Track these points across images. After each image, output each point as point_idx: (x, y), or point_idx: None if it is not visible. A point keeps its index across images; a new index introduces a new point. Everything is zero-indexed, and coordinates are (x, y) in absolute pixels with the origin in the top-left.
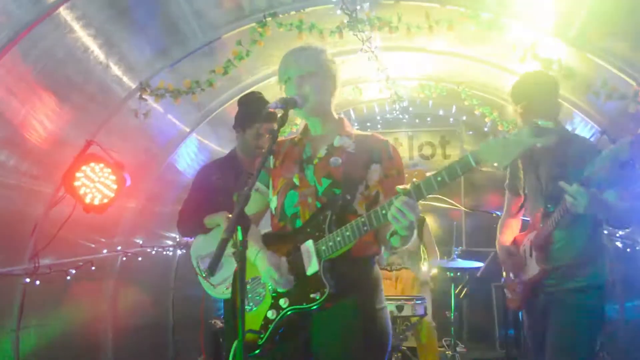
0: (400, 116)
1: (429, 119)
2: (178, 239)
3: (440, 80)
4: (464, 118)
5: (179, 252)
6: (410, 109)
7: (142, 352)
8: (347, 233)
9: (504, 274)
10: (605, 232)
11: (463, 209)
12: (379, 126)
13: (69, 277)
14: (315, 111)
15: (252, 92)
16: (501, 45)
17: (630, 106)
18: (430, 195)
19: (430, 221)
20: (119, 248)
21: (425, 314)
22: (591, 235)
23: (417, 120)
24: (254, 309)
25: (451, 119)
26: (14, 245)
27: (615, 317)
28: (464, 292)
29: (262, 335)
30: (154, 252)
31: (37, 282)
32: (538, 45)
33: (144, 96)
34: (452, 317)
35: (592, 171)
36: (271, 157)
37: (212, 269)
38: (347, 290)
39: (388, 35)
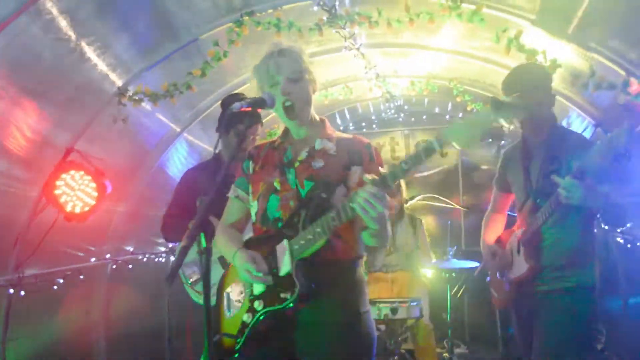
0: (396, 115)
1: (424, 117)
2: (170, 245)
3: (431, 77)
4: (460, 115)
5: (172, 258)
6: (406, 107)
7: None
8: (318, 229)
9: (489, 273)
10: (606, 227)
11: (459, 207)
12: (374, 126)
13: (55, 287)
14: (299, 117)
15: (235, 94)
16: (489, 39)
17: (619, 97)
18: (426, 195)
19: (430, 221)
20: (108, 256)
21: (421, 315)
22: (582, 235)
23: (413, 119)
24: (235, 313)
25: (447, 117)
26: None
27: (618, 313)
28: (460, 292)
29: (238, 340)
30: (145, 259)
31: (22, 293)
32: (522, 36)
33: (122, 101)
34: (449, 319)
35: (586, 162)
36: (250, 162)
37: (172, 277)
38: (326, 292)
39: (373, 32)
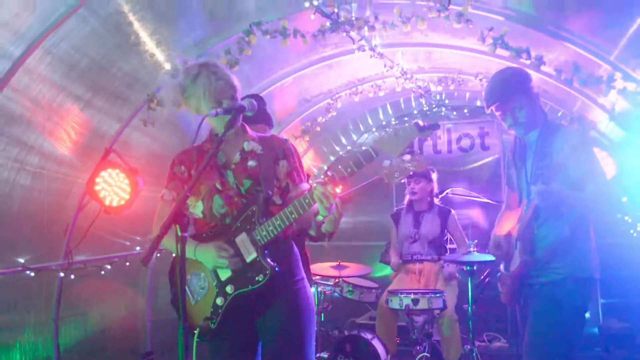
0: (437, 110)
1: (466, 110)
2: None
3: (457, 72)
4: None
5: None
6: (447, 101)
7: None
8: (278, 222)
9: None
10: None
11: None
12: (416, 120)
13: (103, 272)
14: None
15: (254, 95)
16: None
17: (604, 90)
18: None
19: (479, 215)
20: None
21: (445, 307)
22: (574, 228)
23: (454, 113)
24: (200, 300)
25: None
26: (50, 243)
27: None
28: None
29: (214, 321)
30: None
31: (72, 277)
32: (507, 34)
33: (151, 106)
34: (470, 311)
35: (556, 161)
36: (182, 167)
37: (146, 260)
38: (281, 266)
39: (386, 33)
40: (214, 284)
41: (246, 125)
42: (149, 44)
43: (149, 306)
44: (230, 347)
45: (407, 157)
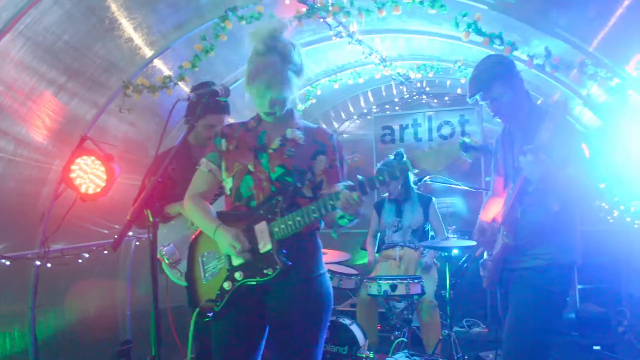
0: (418, 97)
1: (447, 98)
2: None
3: (435, 59)
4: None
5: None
6: (428, 89)
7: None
8: (298, 218)
9: (485, 254)
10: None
11: (467, 188)
12: (397, 107)
13: (80, 261)
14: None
15: (203, 83)
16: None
17: (575, 76)
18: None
19: (458, 202)
20: (131, 233)
21: (423, 293)
22: (558, 214)
23: (435, 101)
24: (210, 280)
25: (469, 99)
26: (25, 231)
27: (638, 296)
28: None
29: (218, 304)
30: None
31: (49, 265)
32: (481, 20)
33: (127, 93)
34: (447, 297)
35: (539, 137)
36: (223, 140)
37: (116, 244)
38: (294, 263)
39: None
40: (226, 267)
41: (295, 112)
42: (126, 27)
43: (128, 295)
44: (233, 333)
45: None
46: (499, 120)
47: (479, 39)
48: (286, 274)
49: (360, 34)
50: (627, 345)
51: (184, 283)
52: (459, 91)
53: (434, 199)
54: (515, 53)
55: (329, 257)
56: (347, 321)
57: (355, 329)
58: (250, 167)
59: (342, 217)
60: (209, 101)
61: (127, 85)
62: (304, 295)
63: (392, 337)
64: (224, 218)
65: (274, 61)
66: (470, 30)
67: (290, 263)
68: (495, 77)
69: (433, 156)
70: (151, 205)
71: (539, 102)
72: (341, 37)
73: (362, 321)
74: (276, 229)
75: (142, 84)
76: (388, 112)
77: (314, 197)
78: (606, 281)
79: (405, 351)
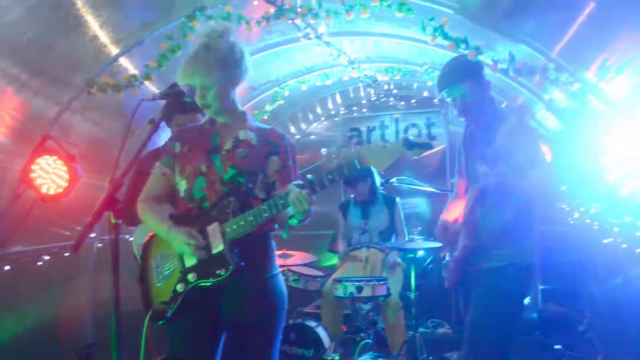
0: (386, 99)
1: (413, 101)
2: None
3: (403, 62)
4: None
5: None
6: (395, 91)
7: (124, 339)
8: (250, 218)
9: (447, 255)
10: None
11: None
12: (364, 109)
13: (40, 263)
14: (218, 113)
15: (173, 84)
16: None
17: (538, 81)
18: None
19: (424, 203)
20: (94, 235)
21: (389, 294)
22: (516, 215)
23: (402, 103)
24: (163, 282)
25: (435, 100)
26: None
27: (599, 297)
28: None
29: (171, 306)
30: (131, 239)
31: (7, 268)
32: (447, 24)
33: (91, 91)
34: (413, 298)
35: (500, 141)
36: (177, 143)
37: (76, 246)
38: (248, 264)
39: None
40: (179, 269)
41: (247, 113)
42: (91, 24)
43: (90, 298)
44: (189, 334)
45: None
46: (463, 119)
47: (446, 42)
48: (239, 274)
49: (328, 36)
50: (587, 344)
51: None
52: (425, 94)
53: (398, 199)
54: (480, 57)
55: (295, 259)
56: (312, 323)
57: (320, 331)
58: (203, 169)
59: (292, 216)
60: (175, 101)
61: (91, 83)
62: (258, 296)
63: (358, 339)
64: (176, 220)
65: (199, 50)
66: (436, 34)
67: (242, 263)
68: (463, 76)
69: (378, 153)
70: (113, 207)
71: (503, 105)
72: (309, 38)
73: (327, 323)
74: (228, 230)
75: (106, 83)
76: (355, 114)
77: (267, 198)
78: (567, 281)
79: (371, 353)
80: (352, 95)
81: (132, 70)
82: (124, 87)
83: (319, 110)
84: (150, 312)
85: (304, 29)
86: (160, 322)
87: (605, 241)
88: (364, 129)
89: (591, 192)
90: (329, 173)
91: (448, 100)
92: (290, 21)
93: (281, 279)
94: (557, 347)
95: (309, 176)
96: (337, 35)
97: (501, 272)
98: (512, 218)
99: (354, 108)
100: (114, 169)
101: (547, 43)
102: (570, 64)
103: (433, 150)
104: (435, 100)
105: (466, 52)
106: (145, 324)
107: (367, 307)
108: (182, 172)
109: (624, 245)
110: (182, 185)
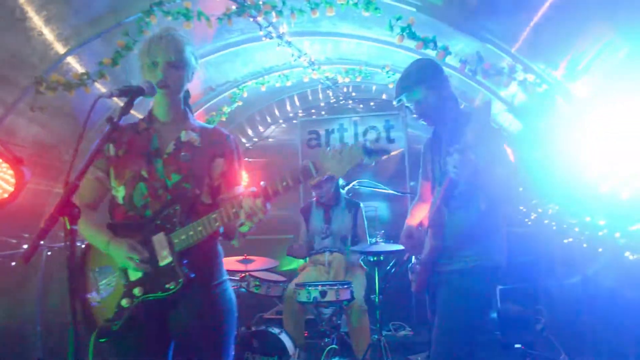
0: (344, 102)
1: (372, 103)
2: None
3: (363, 64)
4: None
5: None
6: (354, 94)
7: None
8: (200, 228)
9: (413, 258)
10: (540, 210)
11: (395, 193)
12: (323, 112)
13: None
14: (170, 99)
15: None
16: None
17: (504, 81)
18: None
19: (384, 206)
20: (42, 242)
21: (353, 298)
22: (483, 216)
23: (361, 106)
24: (105, 297)
25: (394, 102)
26: None
27: (556, 294)
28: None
29: (117, 322)
30: (83, 246)
31: None
32: (414, 24)
33: (40, 90)
34: (377, 301)
35: (465, 139)
36: (111, 145)
37: (27, 256)
38: (196, 273)
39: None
40: (122, 283)
41: (188, 112)
42: (36, 20)
43: (39, 309)
44: (136, 351)
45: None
46: (424, 123)
47: (410, 43)
48: (189, 285)
49: (289, 36)
50: (545, 342)
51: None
52: (384, 96)
53: (361, 204)
54: (448, 58)
55: (257, 265)
56: (275, 330)
57: (284, 337)
58: (144, 174)
59: (242, 224)
60: (134, 99)
61: (40, 81)
62: (207, 305)
63: (322, 344)
64: (116, 230)
65: (165, 31)
66: (404, 34)
67: (193, 275)
68: (420, 80)
69: (335, 159)
70: (68, 211)
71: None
72: (271, 37)
73: (290, 329)
74: (176, 240)
75: (56, 81)
76: (314, 117)
77: (213, 202)
78: (525, 281)
79: (337, 358)
80: (310, 98)
81: (81, 69)
82: (75, 86)
83: (277, 113)
84: (95, 330)
85: (266, 27)
86: (104, 340)
87: (565, 241)
88: (322, 131)
89: (548, 193)
90: (283, 180)
91: (407, 105)
92: (252, 19)
93: (229, 284)
94: (517, 346)
95: (262, 183)
96: (299, 35)
97: (469, 274)
98: (478, 218)
99: (313, 111)
100: (68, 171)
101: (512, 42)
102: (535, 63)
103: (392, 154)
104: (394, 103)
105: (434, 52)
106: (92, 343)
107: (329, 311)
108: (119, 177)
109: (585, 245)
110: (120, 192)
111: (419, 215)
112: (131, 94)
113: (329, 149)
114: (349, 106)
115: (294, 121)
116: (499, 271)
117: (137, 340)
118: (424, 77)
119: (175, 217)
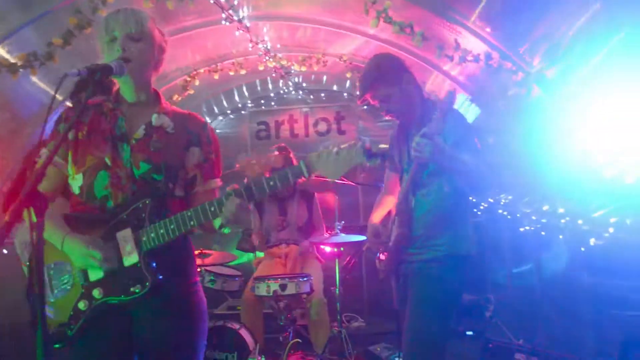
0: (295, 93)
1: (323, 95)
2: None
3: (322, 53)
4: (358, 93)
5: None
6: (304, 85)
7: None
8: (172, 226)
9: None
10: (491, 200)
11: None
12: (273, 103)
13: None
14: (134, 76)
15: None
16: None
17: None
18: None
19: (331, 198)
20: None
21: (312, 290)
22: (453, 205)
23: (311, 97)
24: (60, 297)
25: (345, 94)
26: None
27: (504, 283)
28: (350, 266)
29: (72, 327)
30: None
31: None
32: (390, 8)
33: None
34: (338, 292)
35: (429, 126)
36: (68, 125)
37: None
38: (165, 274)
39: (256, 4)
40: (80, 283)
41: (160, 94)
42: None
43: None
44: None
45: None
46: (391, 118)
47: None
48: (157, 288)
49: (248, 19)
50: (495, 328)
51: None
52: (335, 87)
53: (315, 193)
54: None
55: (214, 259)
56: (235, 325)
57: (244, 333)
58: (108, 161)
59: (222, 226)
60: (101, 78)
61: None
62: (179, 311)
63: (281, 339)
64: (73, 223)
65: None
66: (380, 17)
67: (161, 277)
68: (380, 78)
69: (330, 162)
70: (34, 201)
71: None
72: (231, 21)
73: (247, 322)
74: (144, 238)
75: None
76: (263, 107)
77: (186, 196)
78: (475, 270)
79: (301, 353)
80: (259, 88)
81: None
82: (20, 68)
83: (224, 104)
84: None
85: (227, 9)
86: (58, 346)
87: (522, 229)
88: (272, 123)
89: (500, 183)
90: (270, 179)
91: (373, 103)
92: (213, 1)
93: (200, 287)
94: (469, 333)
95: (245, 181)
96: (257, 19)
97: (440, 262)
98: (447, 206)
99: (262, 101)
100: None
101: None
102: (512, 51)
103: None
104: (358, 102)
105: (411, 37)
106: (40, 348)
107: (286, 304)
108: (77, 163)
109: (543, 233)
110: (77, 181)
111: (384, 208)
112: (99, 72)
113: (322, 149)
114: (299, 97)
115: (243, 112)
116: (470, 260)
117: (94, 349)
118: (384, 74)
119: (144, 212)
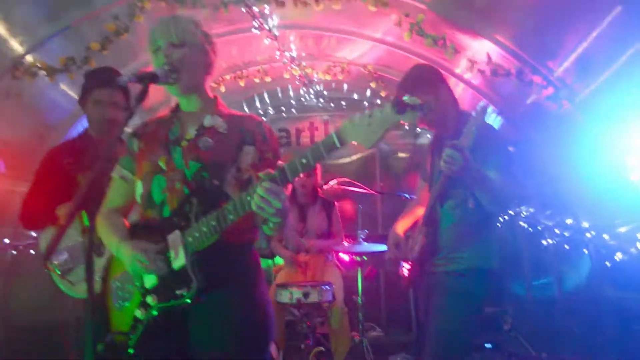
0: (315, 100)
1: (343, 103)
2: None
3: (347, 62)
4: (378, 101)
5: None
6: (325, 93)
7: (40, 354)
8: (213, 222)
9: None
10: (512, 212)
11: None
12: (293, 110)
13: None
14: (184, 86)
15: (104, 68)
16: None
17: (514, 83)
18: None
19: (348, 206)
20: (7, 241)
21: (334, 299)
22: (479, 219)
23: (332, 105)
24: (124, 306)
25: (365, 102)
26: None
27: (523, 295)
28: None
29: (131, 337)
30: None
31: None
32: (424, 21)
33: (16, 75)
34: (360, 302)
35: (461, 139)
36: (135, 139)
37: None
38: (220, 280)
39: (285, 14)
40: (139, 290)
41: (219, 99)
42: None
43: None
44: None
45: None
46: (424, 128)
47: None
48: (211, 295)
49: (277, 29)
50: (514, 341)
51: (81, 295)
52: (355, 96)
53: (335, 203)
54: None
55: None
56: None
57: None
58: (161, 164)
59: (264, 222)
60: (148, 86)
61: (17, 65)
62: (235, 320)
63: (304, 346)
64: (134, 232)
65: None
66: (414, 30)
67: (209, 279)
68: (419, 85)
69: (364, 127)
70: (89, 205)
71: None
72: (260, 30)
73: None
74: (190, 239)
75: (36, 65)
76: (284, 114)
77: None
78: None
79: None
80: (280, 95)
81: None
82: (58, 72)
83: (246, 110)
84: (102, 344)
85: (259, 18)
86: (111, 355)
87: (544, 242)
88: (293, 130)
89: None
90: (303, 157)
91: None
92: (247, 9)
93: (268, 305)
94: (488, 346)
95: (279, 163)
96: (289, 28)
97: (461, 275)
98: (473, 220)
99: (283, 108)
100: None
101: (521, 44)
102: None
103: (362, 154)
104: (365, 103)
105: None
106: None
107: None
108: (137, 172)
109: (566, 246)
110: (139, 189)
111: (411, 217)
112: (146, 80)
113: (356, 115)
114: (320, 105)
115: (264, 119)
116: (493, 274)
117: (154, 356)
118: (425, 81)
119: (191, 212)
